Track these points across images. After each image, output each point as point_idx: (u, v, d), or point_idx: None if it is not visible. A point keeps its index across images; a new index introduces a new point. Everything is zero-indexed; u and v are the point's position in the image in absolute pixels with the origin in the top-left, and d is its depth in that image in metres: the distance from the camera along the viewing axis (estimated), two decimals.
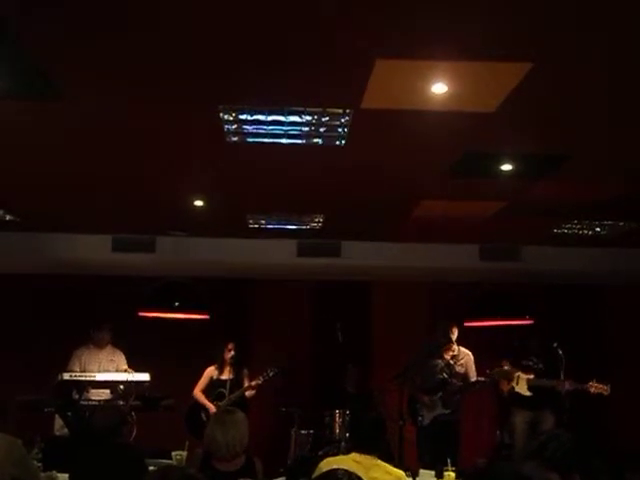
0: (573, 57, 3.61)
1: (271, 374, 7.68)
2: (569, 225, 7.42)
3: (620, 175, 5.71)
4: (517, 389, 7.59)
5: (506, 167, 5.48)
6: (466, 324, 7.96)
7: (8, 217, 7.36)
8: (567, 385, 7.00)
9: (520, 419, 7.69)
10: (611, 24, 3.25)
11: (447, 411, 7.33)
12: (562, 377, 6.92)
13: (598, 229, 7.54)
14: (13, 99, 4.23)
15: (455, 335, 7.59)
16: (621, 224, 7.32)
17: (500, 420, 8.45)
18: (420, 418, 7.31)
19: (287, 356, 8.51)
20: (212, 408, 7.66)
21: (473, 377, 7.47)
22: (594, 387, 6.95)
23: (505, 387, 7.68)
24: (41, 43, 3.51)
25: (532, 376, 7.50)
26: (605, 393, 6.95)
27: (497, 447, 8.37)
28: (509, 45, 3.50)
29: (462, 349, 7.49)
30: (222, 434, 4.22)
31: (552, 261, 8.35)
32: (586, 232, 7.66)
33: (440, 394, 7.31)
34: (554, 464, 2.72)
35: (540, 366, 7.44)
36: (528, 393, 7.51)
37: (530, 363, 7.52)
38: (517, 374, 7.56)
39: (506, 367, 7.52)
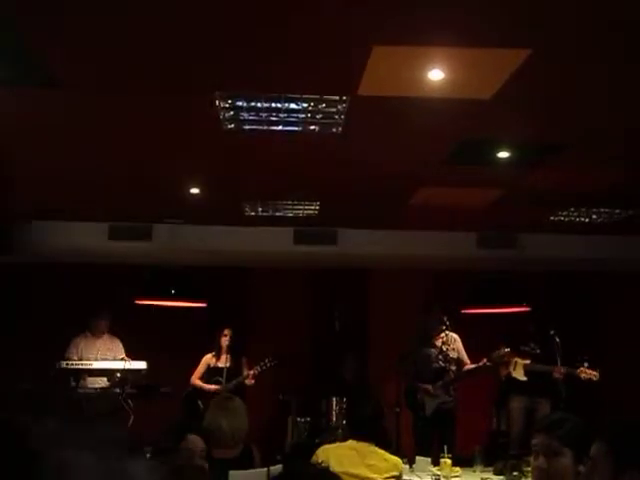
0: (572, 43, 3.59)
1: (269, 364, 7.69)
2: (566, 213, 7.42)
3: (617, 163, 5.70)
4: (514, 374, 7.62)
5: (503, 154, 5.47)
6: (463, 311, 7.96)
7: None
8: (561, 370, 7.07)
9: (517, 405, 7.72)
10: (610, 9, 3.23)
11: (450, 398, 7.35)
12: (559, 363, 6.95)
13: (594, 216, 7.54)
14: (12, 86, 4.21)
15: (446, 323, 7.57)
16: (617, 212, 7.33)
17: (496, 407, 8.48)
18: (423, 410, 7.30)
19: (284, 344, 8.51)
20: (212, 388, 7.64)
21: (466, 360, 7.48)
22: (584, 373, 7.01)
23: (503, 373, 7.70)
24: (40, 29, 3.49)
25: (529, 361, 7.54)
26: (594, 379, 7.01)
27: (493, 434, 8.40)
28: (507, 31, 3.49)
29: (450, 334, 7.48)
30: (227, 423, 4.22)
31: (549, 248, 8.36)
32: (582, 220, 7.66)
33: (440, 382, 7.32)
34: (568, 441, 2.74)
35: (537, 351, 7.46)
36: (524, 378, 7.55)
37: (527, 348, 7.54)
38: (514, 359, 7.59)
39: (507, 349, 7.52)
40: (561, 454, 2.79)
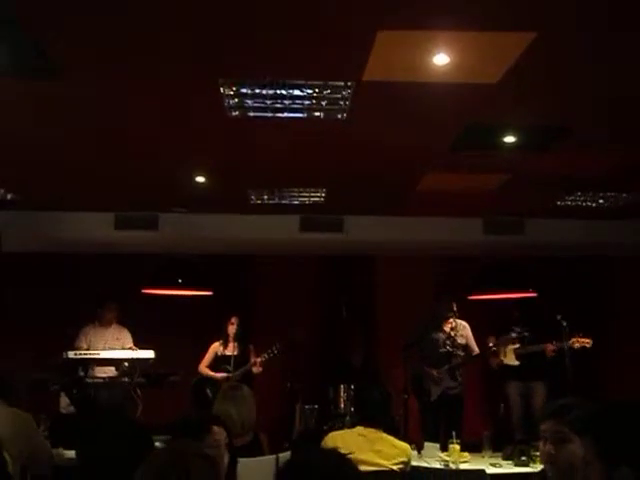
0: (577, 27, 3.56)
1: (276, 351, 7.70)
2: (572, 197, 7.40)
3: (624, 146, 5.67)
4: (506, 361, 7.67)
5: (509, 139, 5.44)
6: (470, 298, 7.95)
7: (10, 196, 7.35)
8: (552, 348, 7.14)
9: (513, 391, 7.77)
10: None
11: (454, 384, 7.35)
12: (567, 348, 6.96)
13: (601, 201, 7.52)
14: (13, 78, 4.20)
15: (454, 310, 7.57)
16: (624, 196, 7.30)
17: (502, 393, 8.48)
18: (428, 395, 7.31)
19: (291, 331, 8.51)
20: (220, 377, 7.66)
21: (474, 347, 7.49)
22: (577, 342, 7.05)
23: (495, 362, 7.72)
24: (41, 21, 3.47)
25: (517, 346, 7.57)
26: (588, 346, 7.07)
27: (500, 419, 8.40)
28: (512, 15, 3.46)
29: (459, 321, 7.48)
30: (236, 411, 4.23)
31: (556, 234, 8.33)
32: (589, 204, 7.63)
33: (446, 367, 7.32)
34: (577, 428, 2.72)
35: (525, 334, 7.48)
36: (516, 363, 7.60)
37: (513, 334, 7.55)
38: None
39: (513, 334, 7.52)
40: (570, 441, 2.76)
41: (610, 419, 2.34)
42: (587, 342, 7.08)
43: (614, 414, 2.37)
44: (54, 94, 4.48)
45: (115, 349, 7.58)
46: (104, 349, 7.58)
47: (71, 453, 5.11)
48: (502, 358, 7.70)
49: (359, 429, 4.59)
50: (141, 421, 6.00)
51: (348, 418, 7.21)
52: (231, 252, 9.10)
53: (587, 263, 9.28)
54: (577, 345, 7.06)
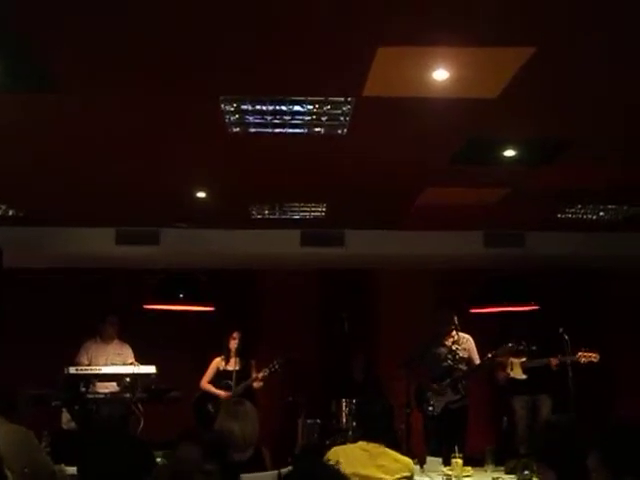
0: (576, 41, 3.58)
1: (277, 366, 7.69)
2: (573, 210, 7.40)
3: (623, 160, 5.68)
4: (512, 375, 7.64)
5: (510, 153, 5.46)
6: (472, 311, 7.94)
7: (11, 212, 7.36)
8: (556, 362, 7.15)
9: (519, 405, 7.74)
10: (614, 8, 3.23)
11: (457, 397, 7.32)
12: (569, 362, 6.94)
13: (602, 213, 7.52)
14: (12, 92, 4.21)
15: (455, 323, 7.55)
16: (624, 208, 7.30)
17: (506, 407, 8.46)
18: (431, 408, 7.29)
19: (293, 346, 8.50)
20: (222, 394, 7.65)
21: (477, 360, 7.47)
22: (583, 357, 7.02)
23: (501, 376, 7.69)
24: (39, 34, 3.49)
25: (524, 359, 7.55)
26: (595, 360, 7.06)
27: (503, 433, 8.38)
28: (511, 30, 3.48)
29: (461, 334, 7.46)
30: (239, 427, 4.22)
31: (556, 246, 8.34)
32: (590, 217, 7.64)
33: (448, 380, 7.30)
34: (547, 461, 2.73)
35: (533, 348, 7.45)
36: (524, 376, 7.57)
37: (520, 347, 7.53)
38: (510, 360, 7.60)
39: (510, 344, 7.49)
40: (542, 474, 2.78)
41: (616, 436, 2.41)
42: (594, 357, 7.06)
43: (619, 432, 2.44)
44: (52, 109, 4.49)
45: (116, 364, 7.58)
46: (105, 364, 7.57)
47: (73, 469, 5.09)
48: (509, 372, 7.68)
49: (361, 444, 4.57)
50: (142, 437, 5.99)
51: (350, 433, 7.19)
52: (232, 267, 9.11)
53: (588, 276, 9.27)
54: (584, 360, 7.03)
